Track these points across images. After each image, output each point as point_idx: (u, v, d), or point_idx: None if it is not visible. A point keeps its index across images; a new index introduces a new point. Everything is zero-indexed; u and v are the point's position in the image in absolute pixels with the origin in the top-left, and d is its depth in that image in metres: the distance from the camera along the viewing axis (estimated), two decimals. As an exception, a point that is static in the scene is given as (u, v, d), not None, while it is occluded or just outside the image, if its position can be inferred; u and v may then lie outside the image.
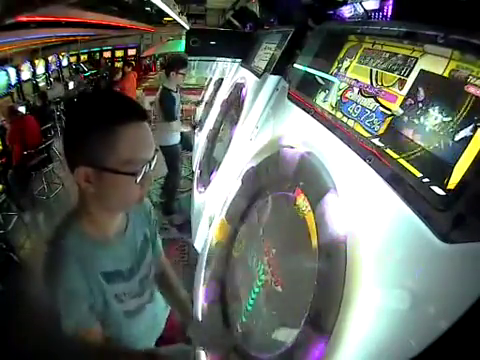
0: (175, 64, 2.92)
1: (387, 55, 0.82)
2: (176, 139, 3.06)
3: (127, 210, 0.82)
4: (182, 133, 3.17)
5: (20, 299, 2.39)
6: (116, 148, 0.65)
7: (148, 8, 5.38)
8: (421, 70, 0.69)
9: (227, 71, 2.87)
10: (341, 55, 1.03)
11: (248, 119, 1.57)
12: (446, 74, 0.62)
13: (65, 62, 8.42)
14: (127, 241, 0.83)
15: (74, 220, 0.75)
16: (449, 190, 0.52)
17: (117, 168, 0.66)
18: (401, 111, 0.70)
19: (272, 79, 1.48)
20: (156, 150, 0.73)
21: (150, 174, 0.72)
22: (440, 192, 0.54)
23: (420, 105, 0.66)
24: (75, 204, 0.76)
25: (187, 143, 3.43)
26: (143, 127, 0.68)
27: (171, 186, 3.25)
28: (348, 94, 0.92)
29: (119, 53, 10.86)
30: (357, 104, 0.86)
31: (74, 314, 0.72)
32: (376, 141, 0.73)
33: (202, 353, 1.08)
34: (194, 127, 3.44)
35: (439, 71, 0.64)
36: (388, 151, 0.68)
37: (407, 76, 0.72)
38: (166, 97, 2.89)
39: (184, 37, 2.28)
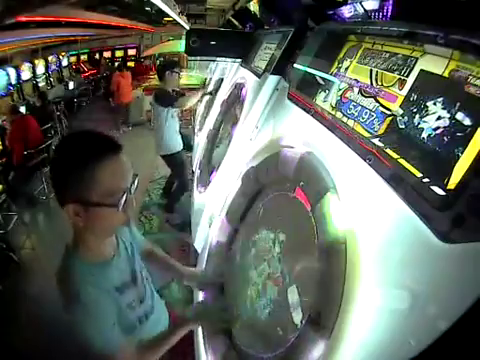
0: (168, 64, 2.92)
1: (387, 55, 0.82)
2: (177, 146, 3.02)
3: (116, 233, 0.91)
4: (183, 136, 3.16)
5: (20, 299, 2.39)
6: (95, 183, 0.72)
7: (148, 8, 5.38)
8: (421, 70, 0.69)
9: (227, 71, 2.87)
10: (341, 55, 1.03)
11: (248, 119, 1.57)
12: (446, 74, 0.62)
13: (65, 62, 8.41)
14: (122, 253, 0.91)
15: (75, 252, 0.82)
16: (449, 190, 0.52)
17: (100, 201, 0.72)
18: (401, 111, 0.70)
19: (272, 79, 1.48)
20: (135, 175, 0.80)
21: (131, 198, 0.78)
22: (440, 192, 0.54)
23: (420, 105, 0.66)
24: (72, 237, 0.83)
25: (187, 143, 3.42)
26: (117, 159, 0.74)
27: (177, 191, 3.24)
28: (348, 94, 0.92)
29: (119, 53, 10.87)
30: (357, 104, 0.86)
31: (112, 338, 0.79)
32: (376, 141, 0.73)
33: (202, 352, 1.08)
34: (207, 94, 3.28)
35: (439, 71, 0.64)
36: (388, 151, 0.68)
37: (407, 76, 0.72)
38: (160, 92, 2.87)
39: (184, 37, 2.28)
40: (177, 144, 3.03)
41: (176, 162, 3.07)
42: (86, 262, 0.81)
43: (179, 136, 3.05)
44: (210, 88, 3.77)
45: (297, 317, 0.79)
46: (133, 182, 0.79)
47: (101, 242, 0.85)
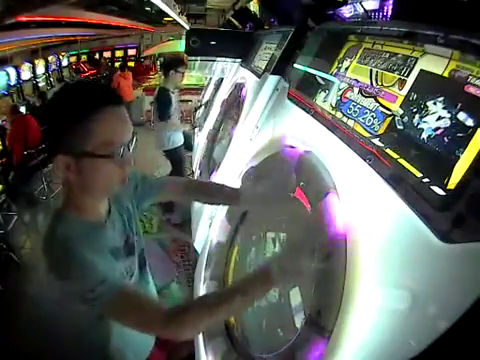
0: (174, 63, 2.93)
1: (387, 55, 0.82)
2: (177, 141, 3.05)
3: (111, 193, 0.80)
4: (184, 133, 3.18)
5: (20, 299, 2.39)
6: (89, 132, 0.66)
7: (148, 8, 5.38)
8: (421, 70, 0.69)
9: (227, 71, 2.87)
10: (341, 55, 1.03)
11: (248, 119, 1.57)
12: (446, 74, 0.62)
13: (65, 62, 8.42)
14: (115, 219, 0.83)
15: (64, 210, 0.75)
16: (449, 190, 0.52)
17: (93, 151, 0.67)
18: (401, 111, 0.70)
19: (272, 79, 1.48)
20: (134, 133, 0.74)
21: (129, 156, 0.73)
22: (440, 192, 0.54)
23: (420, 105, 0.66)
24: (62, 196, 0.76)
25: (187, 143, 3.43)
26: (116, 111, 0.69)
27: None
28: (348, 94, 0.92)
29: (119, 53, 10.87)
30: (357, 104, 0.86)
31: (110, 277, 0.67)
32: (376, 141, 0.73)
33: (202, 352, 1.08)
34: (194, 127, 3.44)
35: (439, 71, 0.64)
36: (388, 151, 0.68)
37: (407, 76, 0.72)
38: (162, 96, 2.90)
39: (184, 37, 2.28)
40: (179, 139, 3.06)
41: (177, 156, 3.10)
42: (78, 220, 0.73)
43: (180, 131, 3.08)
44: (210, 88, 3.78)
45: (299, 320, 0.79)
46: (131, 140, 0.73)
47: (93, 202, 0.77)
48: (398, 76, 0.75)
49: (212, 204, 1.25)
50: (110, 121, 0.68)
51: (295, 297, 0.84)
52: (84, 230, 0.72)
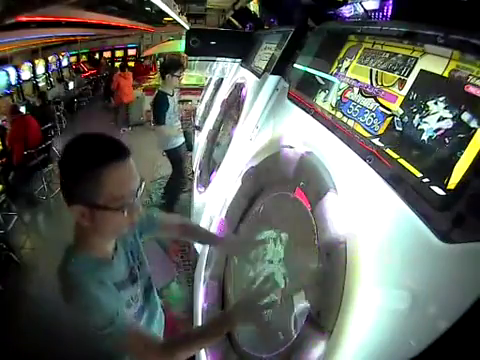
0: (170, 66, 2.95)
1: (387, 55, 0.82)
2: (177, 141, 3.07)
3: (121, 235, 0.90)
4: (185, 133, 3.20)
5: (20, 299, 2.39)
6: (102, 188, 0.72)
7: (148, 8, 5.38)
8: (421, 70, 0.70)
9: (227, 71, 2.87)
10: (341, 55, 1.03)
11: (248, 119, 1.57)
12: (446, 74, 0.62)
13: (65, 62, 8.42)
14: (119, 254, 0.91)
15: (76, 248, 0.83)
16: (449, 190, 0.52)
17: (106, 205, 0.74)
18: (401, 111, 0.70)
19: (272, 79, 1.48)
20: (142, 180, 0.81)
21: (137, 203, 0.79)
22: (440, 192, 0.54)
23: (420, 105, 0.66)
24: (74, 235, 0.84)
25: (188, 143, 3.44)
26: (125, 165, 0.75)
27: (173, 187, 3.27)
28: (348, 94, 0.92)
29: (119, 53, 10.89)
30: (357, 104, 0.86)
31: (118, 319, 0.76)
32: (376, 141, 0.73)
33: (202, 353, 1.08)
34: (185, 133, 3.45)
35: (439, 71, 0.64)
36: (388, 151, 0.68)
37: (407, 76, 0.72)
38: (160, 101, 2.93)
39: (184, 37, 2.28)
40: (179, 139, 3.08)
41: (177, 156, 3.13)
42: (87, 257, 0.81)
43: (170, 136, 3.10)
44: (210, 88, 3.78)
45: (299, 320, 0.79)
46: (140, 186, 0.79)
47: (103, 241, 0.85)
48: (398, 76, 0.75)
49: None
50: (118, 177, 0.74)
51: (296, 298, 0.84)
52: (94, 266, 0.80)
